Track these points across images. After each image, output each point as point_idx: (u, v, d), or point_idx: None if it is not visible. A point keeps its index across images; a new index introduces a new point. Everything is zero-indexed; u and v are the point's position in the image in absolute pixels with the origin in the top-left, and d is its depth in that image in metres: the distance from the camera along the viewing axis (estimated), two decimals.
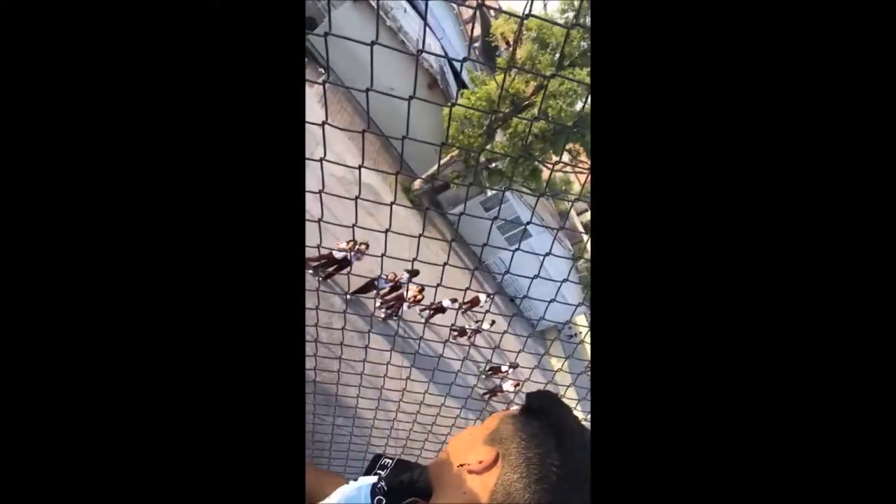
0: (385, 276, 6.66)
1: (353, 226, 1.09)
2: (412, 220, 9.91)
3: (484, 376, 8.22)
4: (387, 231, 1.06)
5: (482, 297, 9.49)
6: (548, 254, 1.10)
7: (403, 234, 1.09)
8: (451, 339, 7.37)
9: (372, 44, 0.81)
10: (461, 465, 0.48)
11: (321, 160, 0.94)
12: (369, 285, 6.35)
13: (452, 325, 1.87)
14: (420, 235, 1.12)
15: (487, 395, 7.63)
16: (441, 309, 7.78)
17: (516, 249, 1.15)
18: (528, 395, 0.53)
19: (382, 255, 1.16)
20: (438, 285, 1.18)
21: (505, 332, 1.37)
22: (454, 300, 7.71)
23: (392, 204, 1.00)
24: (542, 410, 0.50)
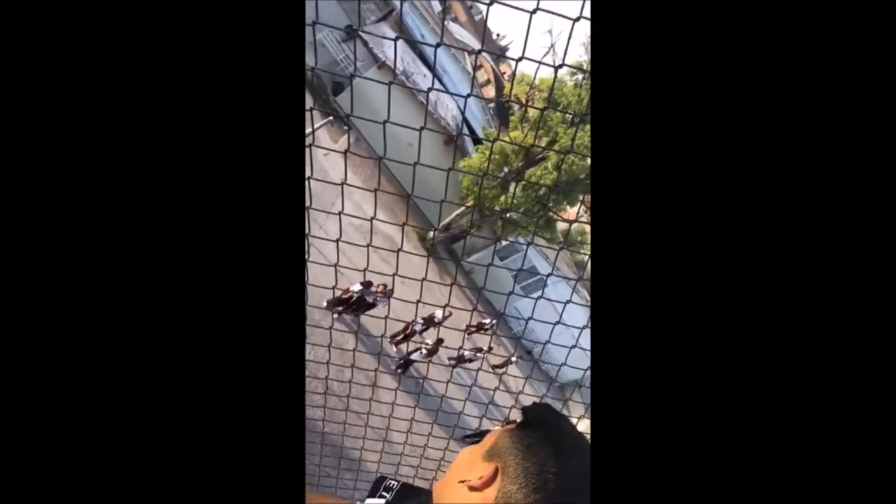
0: (421, 320, 6.60)
1: (365, 269, 1.12)
2: (427, 269, 9.95)
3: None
4: (394, 274, 1.09)
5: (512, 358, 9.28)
6: (567, 301, 1.10)
7: (415, 279, 1.11)
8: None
9: (389, 84, 0.88)
10: (462, 482, 0.48)
11: (339, 213, 1.00)
12: (408, 331, 6.26)
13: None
14: (451, 285, 1.14)
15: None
16: (465, 359, 7.56)
17: (539, 298, 1.15)
18: (524, 408, 0.54)
19: (418, 300, 1.18)
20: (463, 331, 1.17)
21: (527, 377, 1.32)
22: (479, 350, 7.50)
23: (399, 251, 1.04)
24: (538, 422, 0.50)
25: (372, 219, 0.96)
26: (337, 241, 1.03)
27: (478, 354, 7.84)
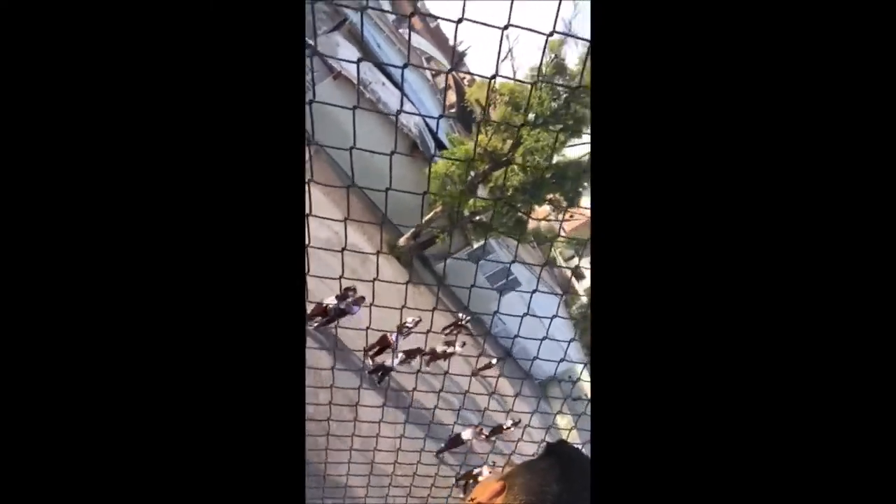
0: (400, 329, 6.52)
1: (340, 277, 1.07)
2: (400, 277, 9.88)
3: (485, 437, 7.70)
4: (374, 280, 1.04)
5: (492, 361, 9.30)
6: (534, 291, 1.09)
7: (397, 282, 1.07)
8: (477, 437, 7.02)
9: (354, 108, 0.84)
10: (472, 500, 0.52)
11: (306, 215, 0.94)
12: (384, 341, 6.15)
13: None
14: (438, 290, 1.10)
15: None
16: (438, 355, 7.53)
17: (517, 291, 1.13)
18: (548, 444, 0.58)
19: (403, 306, 1.13)
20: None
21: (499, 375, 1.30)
22: (450, 343, 7.47)
23: (378, 253, 1.00)
24: (553, 452, 0.54)
25: (346, 219, 0.91)
26: (306, 246, 0.98)
27: (449, 349, 7.81)
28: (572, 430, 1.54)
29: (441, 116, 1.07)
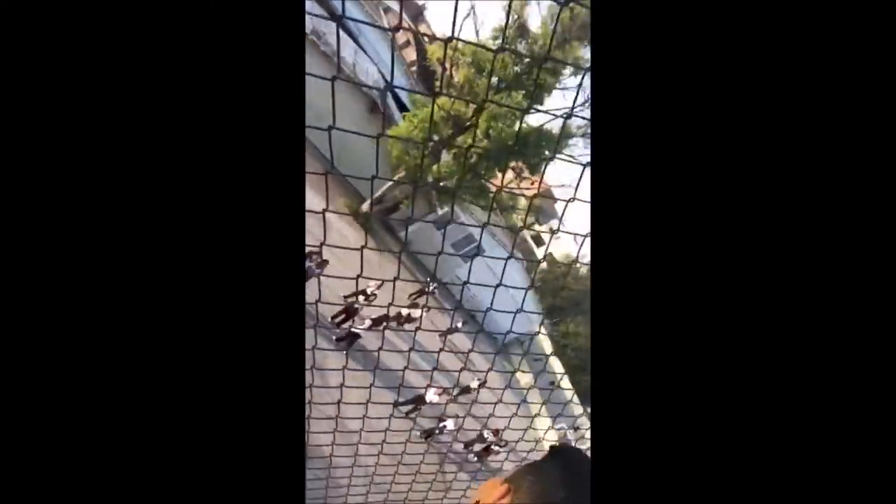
0: (358, 296, 6.43)
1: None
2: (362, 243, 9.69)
3: (471, 452, 7.93)
4: (321, 244, 1.02)
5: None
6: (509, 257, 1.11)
7: (353, 249, 1.05)
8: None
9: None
10: (476, 502, 0.53)
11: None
12: (349, 309, 6.07)
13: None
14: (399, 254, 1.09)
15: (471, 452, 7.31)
16: (402, 318, 7.63)
17: (474, 255, 1.15)
18: (552, 446, 0.59)
19: (359, 275, 1.11)
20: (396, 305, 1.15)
21: (470, 350, 1.35)
22: (415, 305, 7.60)
23: (324, 211, 0.96)
24: (559, 456, 0.54)
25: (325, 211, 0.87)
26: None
27: (413, 313, 7.92)
28: (532, 387, 1.64)
29: (387, 88, 1.01)
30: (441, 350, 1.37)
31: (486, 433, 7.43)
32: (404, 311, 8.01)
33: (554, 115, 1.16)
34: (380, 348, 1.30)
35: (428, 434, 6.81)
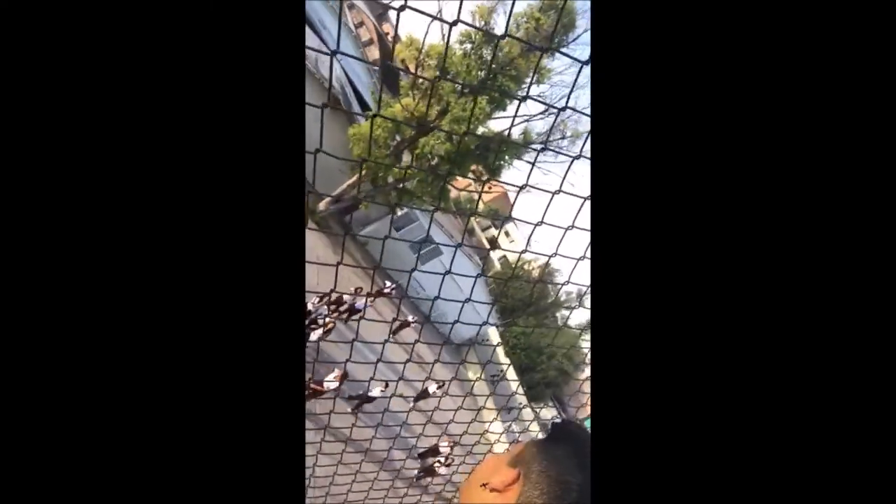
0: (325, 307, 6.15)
1: None
2: (319, 244, 9.40)
3: (418, 458, 7.75)
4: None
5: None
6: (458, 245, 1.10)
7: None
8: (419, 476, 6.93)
9: None
10: (484, 485, 0.49)
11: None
12: (312, 316, 5.79)
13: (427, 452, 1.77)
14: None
15: (422, 475, 7.16)
16: (355, 310, 7.44)
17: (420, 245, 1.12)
18: (554, 424, 0.56)
19: (332, 290, 1.04)
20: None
21: (417, 340, 1.32)
22: (358, 290, 7.34)
23: None
24: (566, 437, 0.52)
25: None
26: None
27: (360, 299, 7.74)
28: (478, 378, 1.65)
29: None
30: (387, 342, 1.34)
31: (441, 446, 7.25)
32: (346, 297, 7.79)
33: (529, 117, 1.17)
34: (319, 339, 1.23)
35: (358, 404, 6.56)
